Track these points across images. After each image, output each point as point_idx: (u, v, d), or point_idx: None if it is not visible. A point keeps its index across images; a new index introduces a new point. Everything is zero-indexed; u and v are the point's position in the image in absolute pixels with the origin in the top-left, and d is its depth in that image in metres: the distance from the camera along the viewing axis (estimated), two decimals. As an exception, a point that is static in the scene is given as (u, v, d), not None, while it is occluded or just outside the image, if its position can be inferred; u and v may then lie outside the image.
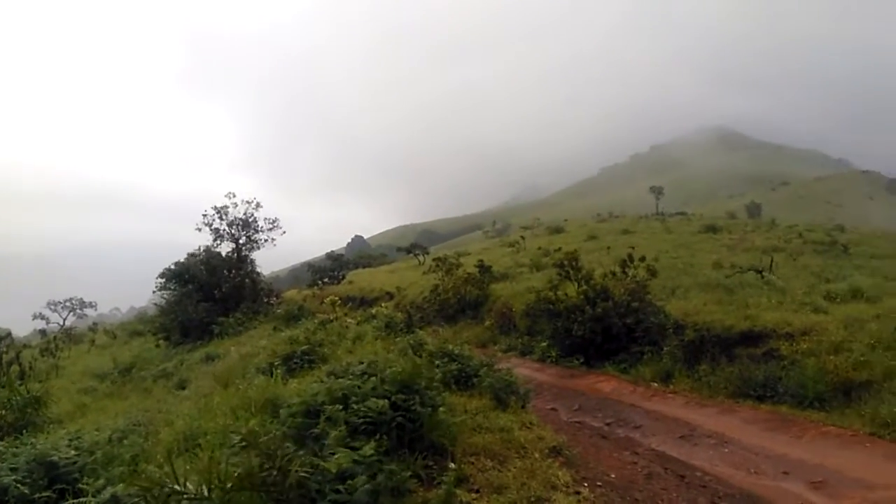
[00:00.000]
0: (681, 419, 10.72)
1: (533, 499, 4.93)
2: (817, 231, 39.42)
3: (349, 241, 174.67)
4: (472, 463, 5.52)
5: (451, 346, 8.98)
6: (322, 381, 6.51)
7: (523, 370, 15.55)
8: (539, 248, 39.84)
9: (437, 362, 8.29)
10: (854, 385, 10.69)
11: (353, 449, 4.96)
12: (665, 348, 14.25)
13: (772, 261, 20.64)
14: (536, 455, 5.94)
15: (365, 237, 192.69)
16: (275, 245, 29.18)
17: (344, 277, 46.18)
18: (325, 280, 45.49)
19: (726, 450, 8.99)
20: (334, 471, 4.63)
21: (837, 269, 22.33)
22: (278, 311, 23.78)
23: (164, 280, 27.50)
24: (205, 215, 28.02)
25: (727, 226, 46.99)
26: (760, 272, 18.82)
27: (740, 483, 7.51)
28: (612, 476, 6.21)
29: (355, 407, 5.63)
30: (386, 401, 5.69)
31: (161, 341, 26.27)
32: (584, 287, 16.35)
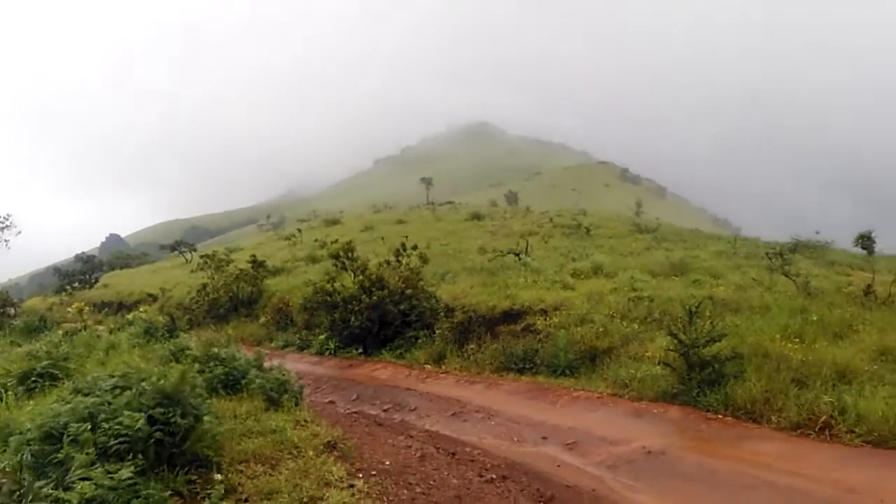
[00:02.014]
0: (452, 397, 11.24)
1: (305, 499, 4.81)
2: (565, 216, 43.63)
3: (103, 240, 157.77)
4: (241, 471, 5.24)
5: (217, 349, 8.46)
6: (65, 401, 5.73)
7: (301, 365, 15.26)
8: (316, 241, 39.35)
9: (202, 367, 7.76)
10: (598, 352, 12.01)
11: (107, 473, 4.43)
12: (437, 331, 14.88)
13: (527, 244, 22.49)
14: (310, 453, 5.82)
15: (122, 236, 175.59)
16: (8, 248, 25.33)
17: (97, 281, 41.58)
18: (76, 285, 40.58)
19: (493, 422, 9.61)
20: (76, 502, 4.09)
21: (582, 249, 24.97)
22: (16, 323, 20.75)
23: None
24: None
25: (490, 213, 50.39)
26: (518, 255, 20.40)
27: (505, 453, 8.05)
28: (388, 463, 6.30)
29: (106, 426, 5.04)
30: (142, 415, 5.17)
31: None
32: (361, 277, 16.45)
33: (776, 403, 8.37)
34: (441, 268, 20.91)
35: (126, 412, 5.19)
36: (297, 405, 7.63)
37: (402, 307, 15.92)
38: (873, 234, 23.66)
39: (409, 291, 16.13)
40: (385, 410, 10.99)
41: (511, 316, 14.47)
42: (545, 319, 13.67)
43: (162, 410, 5.27)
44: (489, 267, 19.63)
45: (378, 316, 15.88)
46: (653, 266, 18.34)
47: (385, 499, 5.24)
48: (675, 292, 13.79)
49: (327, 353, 16.63)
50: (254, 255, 27.23)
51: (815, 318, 10.85)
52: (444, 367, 13.72)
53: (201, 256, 32.40)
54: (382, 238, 33.38)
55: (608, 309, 13.48)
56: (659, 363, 10.25)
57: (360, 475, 5.65)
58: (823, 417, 7.82)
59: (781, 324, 10.81)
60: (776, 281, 14.35)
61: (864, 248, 23.27)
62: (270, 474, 5.21)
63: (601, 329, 12.51)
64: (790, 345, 9.85)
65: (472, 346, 13.79)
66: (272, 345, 18.67)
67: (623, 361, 11.24)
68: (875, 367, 8.91)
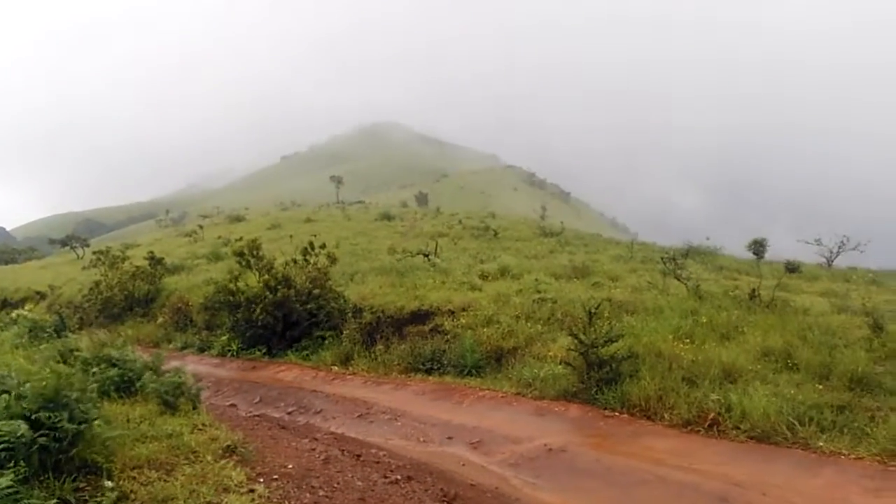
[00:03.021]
0: (359, 399, 11.16)
1: (203, 505, 4.64)
2: (474, 218, 44.31)
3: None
4: (135, 477, 4.98)
5: (110, 350, 8.02)
6: (-67, 408, 5.27)
7: (201, 367, 14.73)
8: (219, 238, 38.18)
9: (93, 370, 7.34)
10: (504, 352, 12.25)
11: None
12: (345, 332, 14.73)
13: (436, 245, 22.65)
14: (209, 458, 5.61)
15: (7, 229, 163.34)
16: None
17: (-25, 277, 38.54)
18: (-50, 282, 37.41)
19: (399, 423, 9.61)
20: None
21: (490, 251, 25.42)
22: None
23: None
24: None
25: (400, 214, 50.42)
26: (428, 256, 20.50)
27: (411, 453, 8.07)
28: (290, 467, 6.16)
29: (-18, 432, 4.67)
30: (23, 421, 4.84)
31: None
32: (266, 276, 16.05)
33: (668, 401, 8.80)
34: (350, 268, 20.73)
35: (6, 418, 4.85)
36: (195, 409, 7.33)
37: (309, 307, 15.66)
38: (765, 240, 25.02)
39: (316, 291, 15.89)
40: (289, 413, 10.77)
41: (419, 316, 14.53)
42: (453, 320, 13.82)
43: (47, 414, 4.95)
44: (398, 267, 19.63)
45: (283, 316, 15.55)
46: (556, 269, 18.88)
47: (287, 503, 5.13)
48: (576, 294, 14.26)
49: (229, 354, 16.14)
50: (151, 252, 26.10)
51: (704, 320, 11.48)
52: (351, 368, 13.60)
53: (94, 252, 30.70)
54: (290, 236, 32.75)
55: (514, 310, 13.78)
56: (561, 363, 10.59)
57: (261, 480, 5.50)
58: (712, 415, 8.29)
59: (674, 325, 11.39)
60: (669, 284, 15.10)
61: (755, 253, 24.65)
62: (166, 480, 4.98)
63: (507, 330, 12.77)
64: (682, 345, 10.39)
65: (380, 346, 13.75)
66: (170, 346, 17.92)
67: (527, 361, 11.51)
68: (758, 366, 9.52)
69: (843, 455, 7.24)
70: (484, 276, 17.64)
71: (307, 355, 14.95)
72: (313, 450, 7.31)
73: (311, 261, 17.30)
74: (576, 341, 9.90)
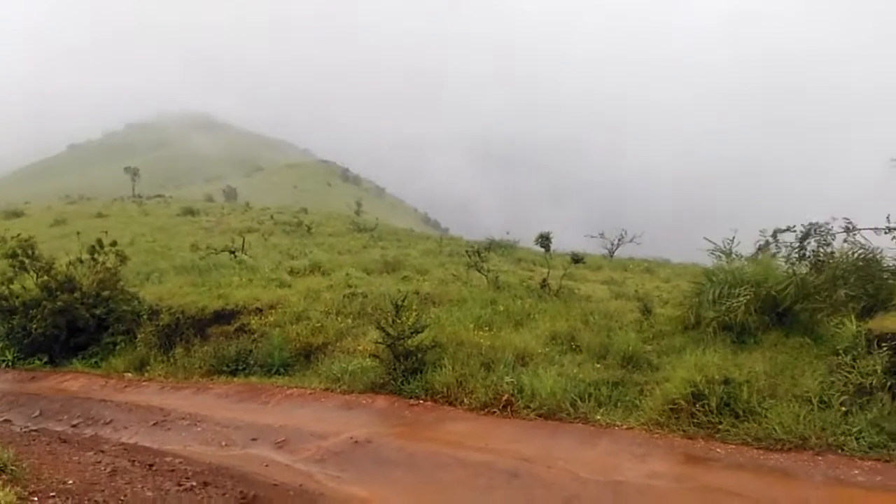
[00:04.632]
0: (155, 406, 10.48)
1: (-43, 536, 4.12)
2: (286, 213, 43.33)
3: None
4: None
5: None
6: None
7: (-36, 382, 12.96)
8: (-11, 236, 33.61)
9: None
10: (313, 349, 12.16)
11: None
12: (139, 336, 13.73)
13: (243, 241, 21.85)
14: (-32, 482, 4.99)
15: None
16: None
17: None
18: None
19: (199, 428, 9.18)
20: None
21: (302, 247, 25.04)
22: None
23: None
24: None
25: (205, 209, 47.94)
26: (234, 252, 19.72)
27: (211, 458, 7.75)
28: (71, 482, 5.66)
29: None
30: None
31: None
32: (45, 278, 14.45)
33: (468, 386, 9.29)
34: (147, 267, 19.39)
35: None
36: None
37: (97, 311, 14.36)
38: (551, 235, 27.34)
39: (105, 293, 14.61)
40: (74, 426, 9.85)
41: (224, 316, 13.96)
42: (260, 318, 13.45)
43: None
44: (201, 265, 18.67)
45: (66, 322, 14.11)
46: (368, 263, 19.08)
47: (64, 522, 4.73)
48: (386, 288, 14.53)
49: (4, 364, 14.37)
50: None
51: (501, 309, 12.27)
52: (147, 374, 12.73)
53: None
54: (78, 233, 29.69)
55: (324, 306, 13.73)
56: (369, 356, 10.74)
57: (35, 498, 5.01)
58: (506, 396, 8.89)
59: (475, 314, 12.04)
60: (473, 276, 15.90)
61: (542, 246, 26.78)
62: None
63: (317, 326, 12.70)
64: (481, 333, 11.02)
65: (179, 349, 12.97)
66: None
67: (336, 356, 11.54)
68: (547, 349, 10.38)
69: (617, 426, 8.14)
70: (294, 273, 17.34)
71: (96, 363, 13.74)
72: (99, 462, 6.77)
73: (100, 260, 15.84)
74: (383, 334, 10.10)
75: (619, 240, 26.88)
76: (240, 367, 12.11)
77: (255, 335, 12.96)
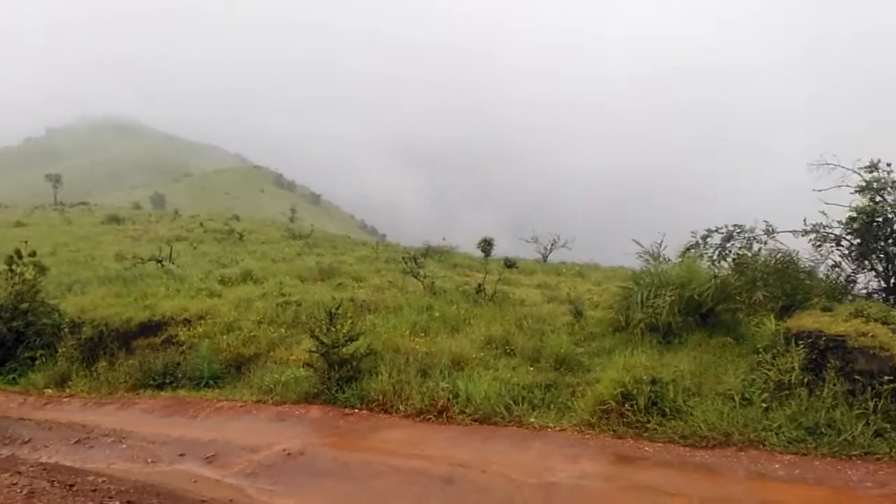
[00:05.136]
0: (77, 423, 10.02)
1: None
2: (217, 221, 42.32)
3: None
4: None
5: None
6: None
7: None
8: None
9: None
10: (244, 359, 11.86)
11: None
12: (60, 350, 13.11)
13: (171, 250, 21.20)
14: None
15: None
16: None
17: None
18: None
19: (124, 445, 8.82)
20: None
21: (233, 255, 24.51)
22: None
23: None
24: None
25: (132, 217, 46.40)
26: (161, 262, 19.10)
27: (136, 476, 7.46)
28: (-20, 509, 5.35)
29: None
30: None
31: None
32: (-47, 292, 13.64)
33: (404, 393, 9.25)
34: (69, 277, 18.54)
35: None
36: None
37: (14, 324, 13.64)
38: (493, 240, 27.67)
39: (24, 306, 13.89)
40: (-12, 447, 9.30)
41: (150, 328, 13.48)
42: (189, 330, 13.03)
43: None
44: (127, 275, 17.97)
45: (-20, 338, 13.35)
46: (302, 271, 18.81)
47: (-27, 551, 4.45)
48: (320, 296, 14.33)
49: None
50: None
51: (438, 315, 12.30)
52: (69, 389, 12.14)
53: None
54: (-8, 244, 28.22)
55: (256, 315, 13.43)
56: (303, 365, 10.57)
57: (-60, 529, 4.71)
58: (441, 402, 8.90)
59: (411, 321, 12.02)
60: (409, 283, 15.89)
61: (483, 251, 27.05)
62: None
63: (248, 336, 12.40)
64: (417, 339, 11.02)
65: (103, 363, 12.42)
66: None
67: (269, 367, 11.28)
68: (482, 354, 10.46)
69: (551, 428, 8.26)
70: (225, 282, 16.91)
71: (13, 379, 13.01)
72: (15, 484, 6.41)
73: (18, 271, 15.05)
74: (317, 343, 9.96)
75: (553, 244, 27.43)
76: (167, 381, 11.70)
77: (184, 347, 12.55)
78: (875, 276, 10.60)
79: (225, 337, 12.41)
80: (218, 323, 13.04)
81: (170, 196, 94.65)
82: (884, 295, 10.39)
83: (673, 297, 9.98)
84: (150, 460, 8.23)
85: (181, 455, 8.30)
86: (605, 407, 8.13)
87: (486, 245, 27.39)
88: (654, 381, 8.11)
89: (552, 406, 8.77)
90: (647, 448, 7.45)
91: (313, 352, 10.14)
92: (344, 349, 9.93)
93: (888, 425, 7.05)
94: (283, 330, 12.62)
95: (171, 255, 20.41)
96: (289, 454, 7.94)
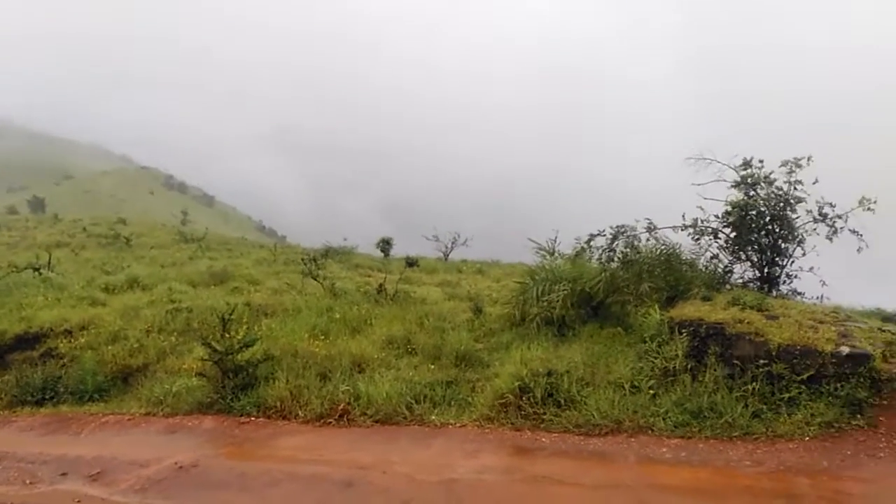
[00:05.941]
0: (-56, 448, 9.19)
1: None
2: (102, 225, 39.91)
3: None
4: None
5: None
6: None
7: None
8: None
9: None
10: (132, 371, 11.30)
11: None
12: (-77, 370, 11.97)
13: (50, 257, 19.84)
14: None
15: None
16: None
17: None
18: None
19: (0, 466, 8.19)
20: None
21: (119, 261, 23.19)
22: None
23: None
24: None
25: (7, 222, 43.14)
26: (39, 270, 17.83)
27: (13, 499, 6.96)
28: None
29: None
30: None
31: None
32: None
33: (303, 399, 9.09)
34: (-66, 290, 16.91)
35: None
36: None
37: None
38: (392, 239, 27.69)
39: None
40: None
41: (27, 341, 12.57)
42: (70, 341, 12.25)
43: None
44: (0, 286, 16.63)
45: None
46: (194, 276, 18.05)
47: None
48: (214, 301, 13.82)
49: None
50: None
51: (338, 317, 12.15)
52: (-66, 411, 11.12)
53: None
54: None
55: (144, 323, 12.81)
56: (195, 375, 10.16)
57: None
58: (342, 405, 8.81)
59: (311, 324, 11.81)
60: (308, 285, 15.59)
61: (382, 251, 27.04)
62: None
63: (136, 345, 11.84)
64: (317, 342, 10.83)
65: (-27, 381, 11.47)
66: None
67: (159, 378, 10.80)
68: (383, 354, 10.43)
69: (451, 425, 8.36)
70: (109, 290, 15.98)
71: None
72: None
73: None
74: (210, 350, 9.60)
75: (453, 242, 27.72)
76: (47, 396, 10.95)
77: (65, 360, 11.78)
78: (750, 267, 11.34)
79: (110, 347, 11.77)
80: (102, 333, 12.34)
81: (50, 199, 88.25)
82: (758, 284, 11.14)
83: (566, 291, 10.32)
84: (28, 482, 7.67)
85: (63, 474, 7.79)
86: (504, 401, 8.31)
87: (385, 245, 27.47)
88: (549, 373, 8.38)
89: (453, 403, 8.87)
90: (543, 439, 7.68)
91: (206, 360, 9.78)
92: (239, 356, 9.63)
93: (764, 406, 7.60)
94: (173, 338, 12.09)
95: (49, 263, 19.08)
96: (181, 467, 7.60)
